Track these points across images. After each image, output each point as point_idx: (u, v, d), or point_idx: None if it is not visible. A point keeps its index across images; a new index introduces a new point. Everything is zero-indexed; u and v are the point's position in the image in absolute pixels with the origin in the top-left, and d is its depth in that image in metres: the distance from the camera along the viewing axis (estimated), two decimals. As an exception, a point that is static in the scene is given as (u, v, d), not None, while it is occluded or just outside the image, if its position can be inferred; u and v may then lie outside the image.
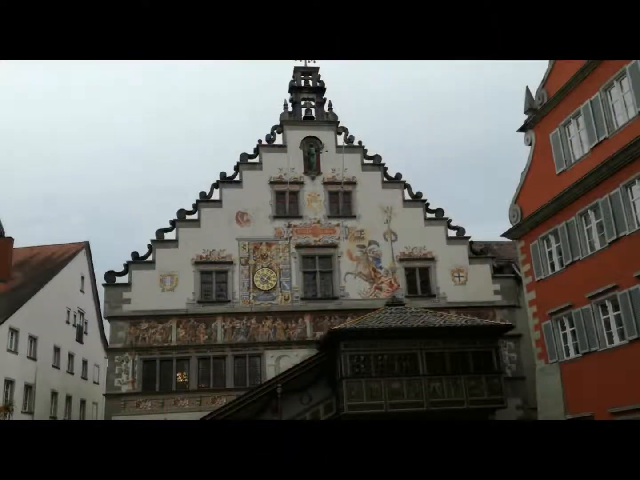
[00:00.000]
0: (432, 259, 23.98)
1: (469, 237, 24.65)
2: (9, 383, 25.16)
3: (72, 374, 31.56)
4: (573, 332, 17.31)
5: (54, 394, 29.12)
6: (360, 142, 25.30)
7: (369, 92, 72.11)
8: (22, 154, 70.36)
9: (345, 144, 25.01)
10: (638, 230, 14.94)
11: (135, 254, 22.76)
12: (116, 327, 21.95)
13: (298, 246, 23.51)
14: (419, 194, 24.99)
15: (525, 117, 19.65)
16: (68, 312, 31.25)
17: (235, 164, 24.37)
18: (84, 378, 33.36)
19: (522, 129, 19.81)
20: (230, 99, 76.69)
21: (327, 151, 24.77)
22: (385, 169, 25.10)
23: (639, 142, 14.54)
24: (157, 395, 21.24)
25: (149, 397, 21.19)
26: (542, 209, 18.36)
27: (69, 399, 30.69)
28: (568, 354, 17.56)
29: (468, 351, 20.29)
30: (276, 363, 21.87)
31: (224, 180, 24.07)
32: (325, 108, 25.56)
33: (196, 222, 23.38)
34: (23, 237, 64.99)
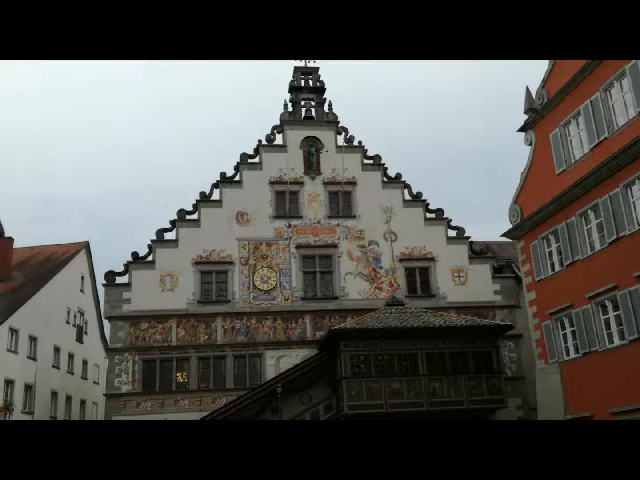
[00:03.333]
0: (432, 259, 23.97)
1: (469, 237, 24.64)
2: (9, 383, 25.15)
3: (72, 374, 31.54)
4: (573, 332, 17.31)
5: (54, 394, 29.11)
6: (360, 142, 25.29)
7: (369, 92, 72.18)
8: (22, 154, 70.43)
9: (345, 144, 24.99)
10: (638, 230, 14.93)
11: (135, 254, 22.75)
12: (116, 327, 21.94)
13: (298, 246, 23.50)
14: (419, 194, 24.98)
15: (525, 117, 19.65)
16: (68, 312, 31.23)
17: (235, 164, 24.36)
18: (84, 378, 33.34)
19: (522, 129, 19.80)
20: (230, 99, 76.77)
21: (327, 151, 24.76)
22: (385, 169, 25.09)
23: (639, 142, 14.53)
24: (157, 395, 21.23)
25: (149, 397, 21.17)
26: (542, 209, 18.35)
27: (69, 399, 30.68)
28: (568, 354, 17.56)
29: (468, 351, 20.30)
30: (276, 363, 21.86)
31: (224, 180, 24.06)
32: (325, 108, 25.56)
33: (196, 222, 23.37)
34: (23, 237, 65.15)
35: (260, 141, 24.63)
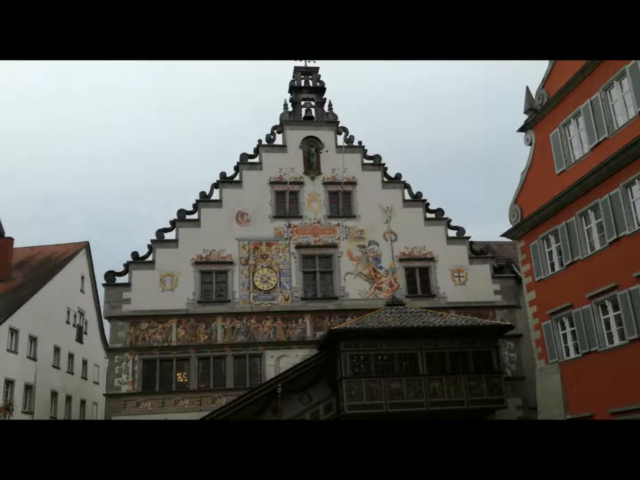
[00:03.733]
0: (432, 259, 23.97)
1: (469, 237, 24.64)
2: (9, 383, 25.14)
3: (72, 374, 31.53)
4: (573, 332, 17.31)
5: (54, 394, 29.10)
6: (360, 142, 25.29)
7: (369, 92, 72.15)
8: (22, 154, 70.40)
9: (345, 144, 25.00)
10: (638, 230, 14.93)
11: (135, 254, 22.75)
12: (116, 327, 21.95)
13: (298, 246, 23.50)
14: (419, 194, 24.98)
15: (525, 117, 19.64)
16: (68, 312, 31.23)
17: (235, 164, 24.37)
18: (84, 378, 33.33)
19: (522, 129, 19.80)
20: (230, 99, 76.74)
21: (327, 151, 24.76)
22: (385, 169, 25.09)
23: (639, 142, 14.53)
24: (157, 395, 21.23)
25: (149, 397, 21.18)
26: (542, 209, 18.35)
27: (69, 399, 30.67)
28: (568, 354, 17.56)
29: (468, 351, 20.30)
30: (276, 363, 21.86)
31: (224, 180, 24.07)
32: (325, 108, 25.56)
33: (196, 222, 23.38)
34: (23, 237, 65.20)
35: (260, 141, 24.63)
